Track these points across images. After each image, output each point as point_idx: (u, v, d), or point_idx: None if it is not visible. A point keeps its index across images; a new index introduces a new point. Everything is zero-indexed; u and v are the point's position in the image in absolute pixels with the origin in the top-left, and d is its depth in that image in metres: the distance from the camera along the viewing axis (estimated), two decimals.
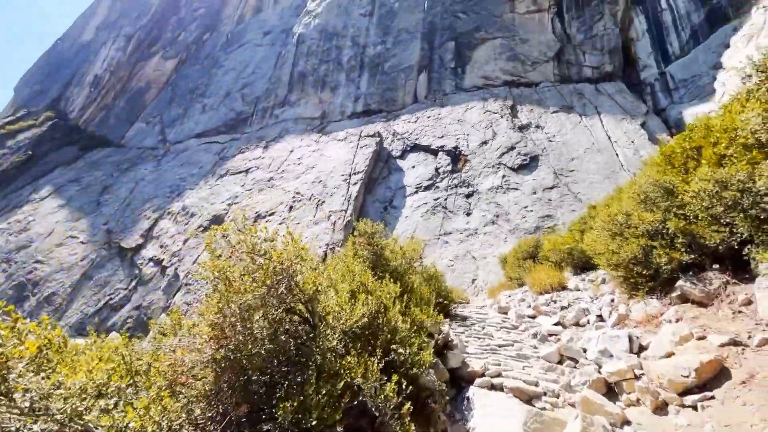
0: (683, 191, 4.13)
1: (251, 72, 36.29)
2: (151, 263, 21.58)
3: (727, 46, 18.46)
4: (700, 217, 3.98)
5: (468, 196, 17.70)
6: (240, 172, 25.84)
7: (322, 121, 27.82)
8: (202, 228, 21.60)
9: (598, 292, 6.52)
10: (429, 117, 22.80)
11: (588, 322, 5.67)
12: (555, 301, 7.11)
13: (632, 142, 17.18)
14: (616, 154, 16.88)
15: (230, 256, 2.53)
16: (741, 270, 4.04)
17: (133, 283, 21.68)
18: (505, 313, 7.60)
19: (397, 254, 5.92)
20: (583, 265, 7.81)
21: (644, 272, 4.67)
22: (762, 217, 3.33)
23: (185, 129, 35.73)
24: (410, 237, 17.33)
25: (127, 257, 23.19)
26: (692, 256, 4.19)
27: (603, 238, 5.22)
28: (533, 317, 6.84)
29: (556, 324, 6.04)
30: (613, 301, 5.84)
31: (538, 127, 19.54)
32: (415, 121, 22.91)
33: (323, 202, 19.90)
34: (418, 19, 28.08)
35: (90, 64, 48.25)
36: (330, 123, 27.26)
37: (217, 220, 22.79)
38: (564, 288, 7.64)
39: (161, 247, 22.72)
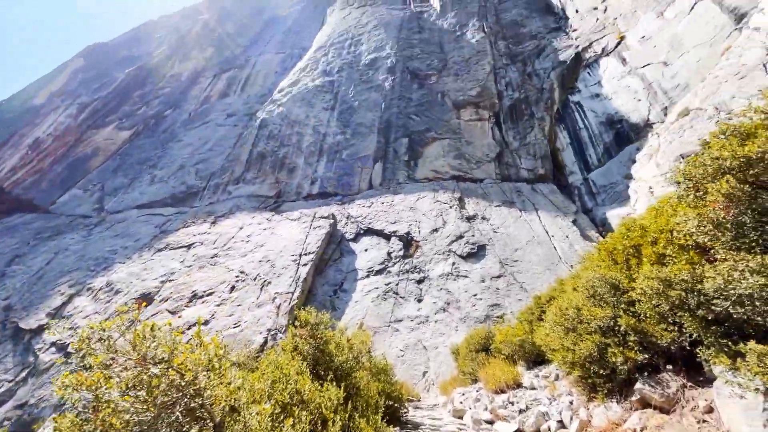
0: (629, 287, 4.35)
1: (209, 148, 36.53)
2: (53, 349, 18.30)
3: (634, 161, 21.90)
4: (648, 315, 4.10)
5: (419, 282, 17.68)
6: (181, 247, 24.20)
7: (276, 200, 27.80)
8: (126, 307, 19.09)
9: (555, 391, 6.28)
10: (383, 203, 23.64)
11: (549, 429, 5.38)
12: (512, 402, 6.75)
13: (567, 237, 18.72)
14: (554, 248, 18.17)
15: (111, 365, 1.98)
16: (695, 371, 4.09)
17: (24, 374, 17.93)
18: (461, 417, 7.05)
19: (343, 348, 5.45)
20: (535, 358, 7.70)
21: (601, 372, 4.55)
22: (709, 318, 3.49)
23: (127, 199, 33.85)
24: (360, 323, 16.54)
25: (23, 340, 19.53)
26: (646, 356, 4.17)
27: (556, 333, 5.17)
28: (491, 422, 6.37)
29: None
30: (572, 403, 5.61)
31: (483, 218, 20.87)
32: (370, 206, 23.59)
33: (269, 282, 18.82)
34: (375, 116, 30.82)
35: (34, 126, 46.22)
36: (285, 203, 27.28)
37: (146, 298, 20.48)
38: (519, 385, 7.37)
39: (71, 329, 19.55)
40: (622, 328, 4.42)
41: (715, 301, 3.35)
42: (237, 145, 34.47)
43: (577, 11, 35.58)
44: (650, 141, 22.18)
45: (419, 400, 8.88)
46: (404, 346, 14.88)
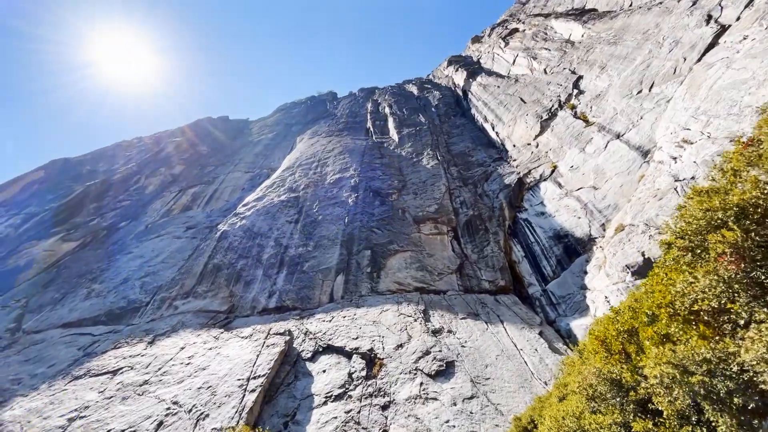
0: (634, 382, 3.80)
1: (161, 261, 34.57)
2: None
3: (586, 272, 23.01)
4: (666, 414, 3.48)
5: (384, 408, 15.59)
6: (105, 373, 20.55)
7: (228, 315, 25.54)
8: None
9: None
10: (344, 317, 22.33)
11: None
12: None
13: (536, 350, 18.04)
14: (525, 362, 17.26)
15: None
16: None
17: None
18: None
19: None
20: None
21: None
22: (750, 408, 2.74)
23: (53, 317, 29.77)
24: None
25: None
26: None
27: None
28: None
29: None
30: None
31: (450, 331, 19.98)
32: (330, 320, 22.12)
33: (207, 415, 15.82)
34: (338, 229, 31.44)
35: None
36: (237, 318, 25.06)
37: None
38: None
39: None
40: None
41: (761, 375, 2.66)
42: (192, 258, 32.97)
43: (514, 146, 41.61)
44: (596, 253, 23.80)
45: None
46: None
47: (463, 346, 18.72)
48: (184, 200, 49.30)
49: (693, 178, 20.11)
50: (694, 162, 20.56)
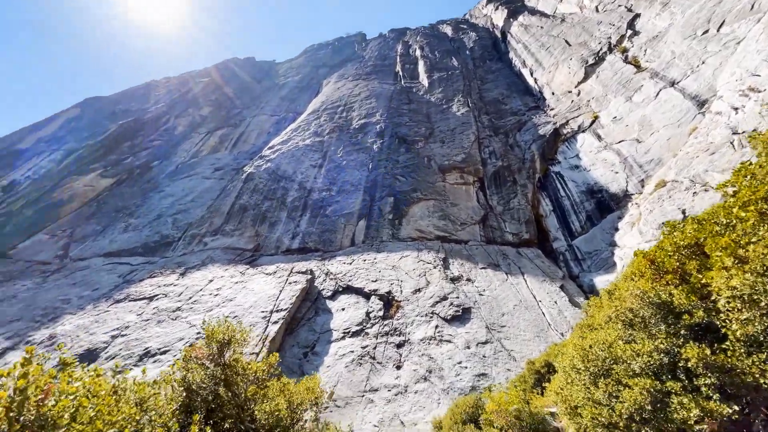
0: (690, 305, 3.29)
1: (191, 200, 35.76)
2: None
3: (617, 229, 21.98)
4: (731, 340, 2.82)
5: (399, 346, 16.13)
6: (142, 299, 22.18)
7: (253, 253, 26.53)
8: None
9: None
10: (365, 260, 22.67)
11: None
12: None
13: (555, 302, 17.83)
14: (543, 314, 17.16)
15: None
16: None
17: None
18: None
19: (275, 401, 4.28)
20: None
21: None
22: None
23: (95, 246, 31.94)
24: (331, 391, 14.61)
25: None
26: (735, 408, 2.75)
27: (579, 382, 3.97)
28: None
29: None
30: None
31: (468, 280, 19.97)
32: (351, 263, 22.54)
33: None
34: (362, 175, 31.09)
35: (12, 169, 45.12)
36: (262, 256, 26.00)
37: (91, 354, 18.05)
38: None
39: None
40: (690, 364, 3.08)
41: None
42: (220, 197, 33.86)
43: (553, 93, 38.63)
44: (631, 210, 22.54)
45: None
46: (379, 421, 12.96)
47: (480, 295, 18.75)
48: (212, 142, 49.85)
49: (755, 130, 18.06)
50: (759, 113, 18.35)
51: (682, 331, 3.22)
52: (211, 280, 22.72)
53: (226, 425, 3.73)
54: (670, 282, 3.69)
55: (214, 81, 67.04)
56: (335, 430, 6.21)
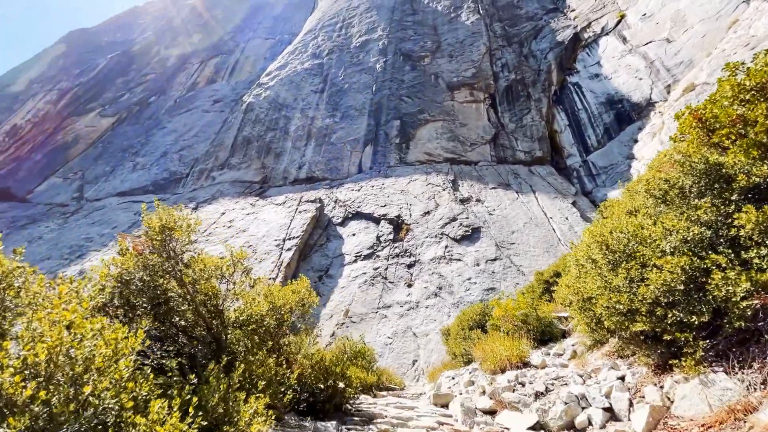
0: (749, 162, 2.85)
1: (194, 135, 35.04)
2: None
3: (636, 141, 20.86)
4: None
5: (410, 266, 16.56)
6: None
7: (262, 185, 26.51)
8: None
9: (587, 366, 4.51)
10: (373, 186, 22.45)
11: (591, 423, 3.53)
12: (522, 383, 4.91)
13: (566, 218, 17.67)
14: (554, 230, 17.11)
15: None
16: None
17: None
18: (446, 406, 5.48)
19: (255, 301, 4.38)
20: (541, 336, 6.50)
21: (691, 320, 2.64)
22: None
23: (108, 187, 32.37)
24: (346, 309, 15.42)
25: None
26: None
27: (593, 272, 3.48)
28: (491, 413, 4.66)
29: (535, 428, 3.87)
30: (624, 380, 3.76)
31: (478, 200, 19.76)
32: (359, 190, 22.39)
33: (251, 269, 17.59)
34: (366, 98, 29.51)
35: (12, 113, 44.35)
36: (270, 188, 26.00)
37: None
38: (526, 365, 5.75)
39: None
40: (743, 232, 2.62)
41: None
42: (222, 131, 33.03)
43: None
44: (653, 120, 21.15)
45: (402, 389, 7.75)
46: (393, 333, 13.79)
47: (490, 214, 18.65)
48: (208, 72, 47.33)
49: None
50: None
51: (734, 197, 2.81)
52: (223, 213, 23.08)
53: (182, 322, 3.74)
54: (722, 142, 3.19)
55: (200, 2, 61.53)
56: (347, 339, 6.50)
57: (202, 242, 21.01)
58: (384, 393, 6.51)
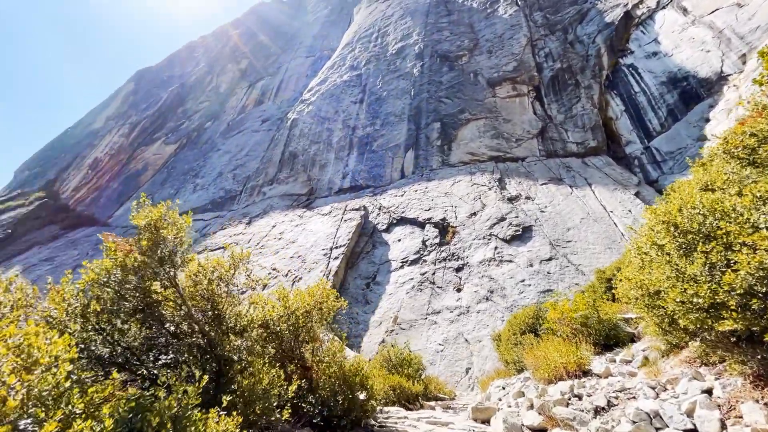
0: None
1: (245, 154, 37.16)
2: None
3: (707, 120, 18.67)
4: None
5: (458, 269, 16.03)
6: (218, 249, 24.34)
7: (309, 197, 27.32)
8: None
9: (660, 376, 3.81)
10: (416, 191, 22.21)
11: None
12: (579, 396, 4.23)
13: (629, 211, 16.16)
14: (615, 224, 15.71)
15: None
16: None
17: None
18: (487, 422, 4.77)
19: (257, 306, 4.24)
20: (605, 340, 5.72)
21: None
22: None
23: (173, 208, 35.13)
24: (395, 316, 15.23)
25: None
26: None
27: (660, 260, 2.86)
28: (542, 430, 3.97)
29: None
30: (710, 393, 3.11)
31: (528, 198, 18.74)
32: (402, 195, 22.25)
33: (300, 278, 18.08)
34: (405, 104, 29.47)
35: (93, 148, 50.05)
36: (316, 199, 26.71)
37: None
38: (586, 373, 5.01)
39: None
40: None
41: None
42: (270, 148, 34.68)
43: None
44: (726, 95, 18.83)
45: (453, 399, 7.31)
46: (443, 340, 13.34)
47: (542, 212, 17.58)
48: (255, 95, 50.21)
49: None
50: None
51: None
52: (273, 226, 24.05)
53: (172, 328, 3.63)
54: None
55: (248, 29, 65.70)
56: (391, 347, 6.30)
57: (255, 254, 22.01)
58: (432, 403, 6.17)
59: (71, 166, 47.74)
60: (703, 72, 20.57)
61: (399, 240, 19.05)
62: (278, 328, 4.51)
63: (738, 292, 2.40)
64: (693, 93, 20.58)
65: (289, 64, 53.24)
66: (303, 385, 4.34)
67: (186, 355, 3.56)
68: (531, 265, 14.88)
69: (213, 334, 3.66)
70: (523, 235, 16.48)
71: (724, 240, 2.53)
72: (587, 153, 22.08)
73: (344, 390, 4.41)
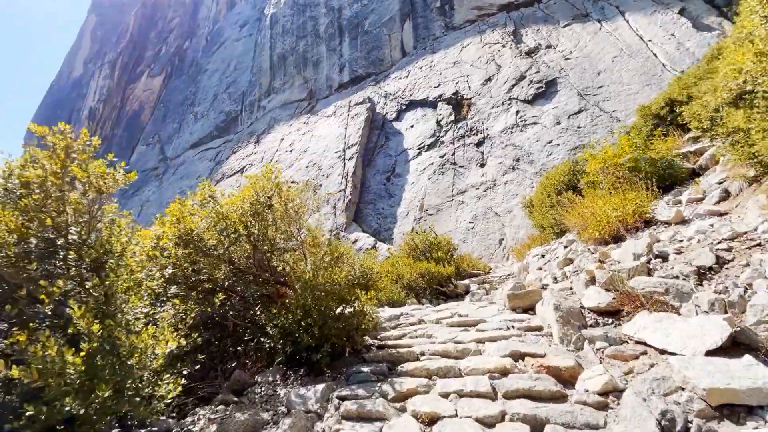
0: None
1: (234, 69, 34.40)
2: None
3: None
4: None
5: (478, 144, 15.02)
6: (236, 173, 24.26)
7: (309, 101, 25.56)
8: None
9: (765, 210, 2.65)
10: (421, 68, 19.97)
11: None
12: (664, 257, 3.05)
13: (672, 35, 13.72)
14: (654, 54, 13.54)
15: None
16: None
17: None
18: (530, 310, 3.80)
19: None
20: (660, 182, 4.77)
21: None
22: None
23: (182, 142, 34.60)
24: (421, 204, 15.01)
25: None
26: None
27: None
28: (613, 313, 2.90)
29: (726, 347, 2.08)
30: None
31: (549, 47, 16.32)
32: (407, 76, 20.16)
33: (320, 185, 17.85)
34: None
35: (84, 98, 48.21)
36: (318, 101, 24.96)
37: None
38: (648, 223, 3.96)
39: None
40: None
41: None
42: (256, 55, 31.69)
43: None
44: None
45: (488, 272, 7.23)
46: (473, 218, 13.15)
47: (566, 59, 15.38)
48: None
49: None
50: None
51: None
52: (282, 139, 23.19)
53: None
54: None
55: None
56: (416, 234, 5.98)
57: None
58: (466, 281, 6.08)
59: (71, 121, 46.80)
60: None
61: (412, 126, 17.83)
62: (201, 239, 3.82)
63: None
64: None
65: None
66: (277, 310, 3.55)
67: None
68: (558, 123, 13.57)
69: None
70: (546, 91, 14.75)
71: None
72: None
73: (319, 306, 3.27)
